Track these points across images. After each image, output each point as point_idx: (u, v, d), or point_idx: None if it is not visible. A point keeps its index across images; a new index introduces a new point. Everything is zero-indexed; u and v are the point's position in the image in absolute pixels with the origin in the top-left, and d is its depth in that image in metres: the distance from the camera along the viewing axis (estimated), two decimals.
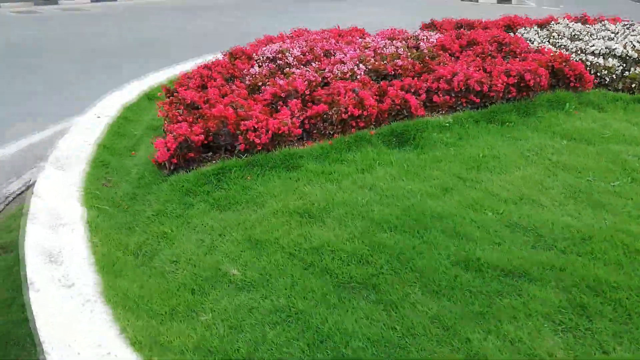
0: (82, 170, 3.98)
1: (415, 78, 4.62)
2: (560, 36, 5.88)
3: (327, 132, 3.97)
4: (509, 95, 4.31)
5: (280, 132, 3.74)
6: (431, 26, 11.03)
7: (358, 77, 4.97)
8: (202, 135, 3.66)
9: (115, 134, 4.86)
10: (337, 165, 3.65)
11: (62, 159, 4.15)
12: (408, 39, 6.23)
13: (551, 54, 4.64)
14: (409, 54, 5.55)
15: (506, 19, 8.84)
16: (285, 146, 3.82)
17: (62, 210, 3.34)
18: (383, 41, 6.06)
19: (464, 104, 4.30)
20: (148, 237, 3.06)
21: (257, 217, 3.12)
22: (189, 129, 3.69)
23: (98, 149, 4.44)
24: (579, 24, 6.85)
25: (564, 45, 5.47)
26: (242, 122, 3.70)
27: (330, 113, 3.93)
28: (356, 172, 3.56)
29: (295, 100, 4.15)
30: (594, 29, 6.17)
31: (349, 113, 3.91)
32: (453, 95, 4.29)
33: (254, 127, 3.68)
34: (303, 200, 3.24)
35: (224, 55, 6.96)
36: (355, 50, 5.87)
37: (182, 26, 12.95)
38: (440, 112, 4.32)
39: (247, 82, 5.31)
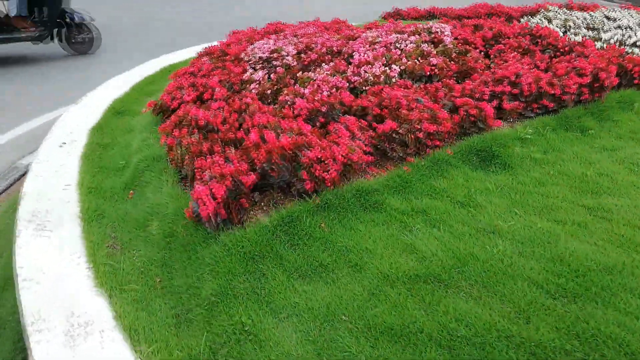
0: (74, 229, 2.90)
1: (468, 80, 3.95)
2: (576, 26, 5.48)
3: (396, 155, 3.20)
4: (582, 97, 3.77)
5: (347, 161, 2.91)
6: (396, 15, 10.51)
7: (394, 80, 4.22)
8: (253, 174, 2.74)
9: (96, 168, 3.74)
10: (426, 200, 2.89)
11: (41, 215, 3.02)
12: (420, 32, 5.55)
13: (609, 49, 4.17)
14: (433, 50, 4.89)
15: (486, 6, 8.47)
16: (351, 178, 3.00)
17: (74, 303, 2.30)
18: (394, 35, 5.34)
19: (535, 110, 3.70)
20: (220, 335, 2.14)
21: (364, 287, 2.30)
22: (233, 166, 2.75)
23: (82, 193, 3.35)
24: (577, 12, 6.55)
25: (592, 37, 5.06)
26: (302, 152, 2.83)
27: (401, 131, 3.16)
28: (455, 207, 2.83)
29: (348, 116, 3.33)
30: (602, 17, 5.85)
31: (424, 130, 3.16)
32: (522, 100, 3.67)
33: (318, 158, 2.82)
34: (414, 255, 2.46)
35: (200, 55, 5.90)
36: (364, 47, 5.10)
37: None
38: (508, 120, 3.69)
39: (253, 92, 4.38)
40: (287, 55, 5.24)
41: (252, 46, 5.55)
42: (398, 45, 5.18)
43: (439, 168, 3.15)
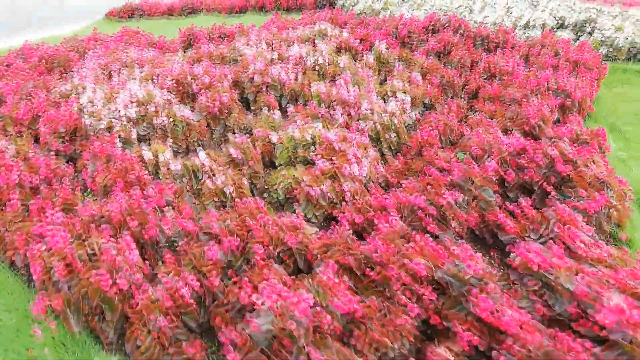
0: None
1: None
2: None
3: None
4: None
5: None
6: (130, 11, 8.13)
7: (413, 115, 2.90)
8: None
9: None
10: None
11: None
12: (311, 37, 4.13)
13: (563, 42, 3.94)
14: (374, 60, 3.69)
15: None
16: None
17: None
18: (296, 48, 3.79)
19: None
20: None
21: None
22: None
23: None
24: None
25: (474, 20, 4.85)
26: None
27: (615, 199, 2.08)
28: None
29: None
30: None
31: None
32: (575, 110, 3.07)
33: None
34: None
35: None
36: (286, 70, 3.42)
37: None
38: None
39: (210, 208, 2.31)
40: (167, 106, 3.05)
41: (84, 100, 2.98)
42: (312, 60, 3.73)
43: None
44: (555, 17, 4.69)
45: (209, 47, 4.07)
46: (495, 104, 3.09)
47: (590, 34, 4.55)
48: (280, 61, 3.76)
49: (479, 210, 2.14)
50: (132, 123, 2.94)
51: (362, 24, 4.86)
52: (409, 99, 2.99)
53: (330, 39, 4.16)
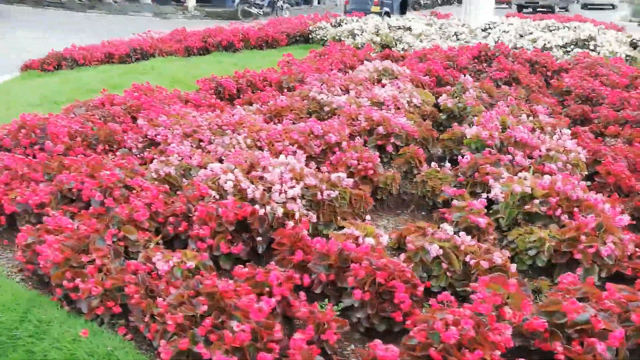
0: None
1: None
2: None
3: None
4: None
5: None
6: (58, 61, 6.92)
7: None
8: None
9: None
10: None
11: None
12: (380, 76, 3.86)
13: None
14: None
15: (222, 31, 6.91)
16: None
17: None
18: (386, 90, 3.50)
19: None
20: None
21: None
22: None
23: None
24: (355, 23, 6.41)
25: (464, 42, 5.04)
26: None
27: None
28: None
29: None
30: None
31: None
32: None
33: None
34: None
35: None
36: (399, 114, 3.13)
37: None
38: None
39: None
40: (319, 175, 2.55)
41: (228, 185, 2.29)
42: (406, 101, 3.50)
43: None
44: (560, 37, 5.10)
45: (281, 100, 3.57)
46: (625, 127, 3.18)
47: (594, 50, 5.01)
48: (375, 107, 3.45)
49: None
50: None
51: (390, 57, 4.74)
52: (569, 132, 2.94)
53: (397, 77, 3.96)
